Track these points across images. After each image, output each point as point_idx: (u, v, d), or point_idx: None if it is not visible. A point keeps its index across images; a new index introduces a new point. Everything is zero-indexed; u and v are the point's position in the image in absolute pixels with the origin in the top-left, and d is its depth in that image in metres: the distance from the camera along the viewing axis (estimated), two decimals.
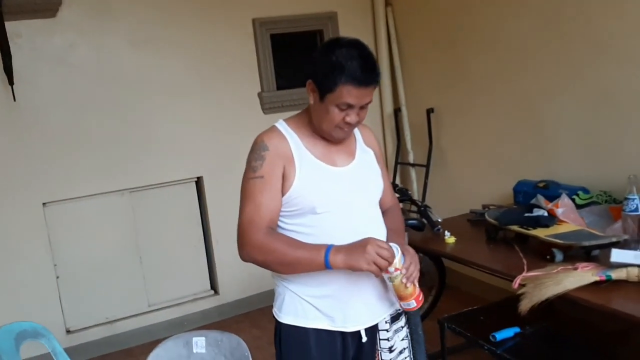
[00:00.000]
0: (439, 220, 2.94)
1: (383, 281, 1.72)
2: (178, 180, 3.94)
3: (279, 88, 4.11)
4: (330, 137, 1.66)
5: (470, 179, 3.89)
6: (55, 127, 3.51)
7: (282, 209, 1.65)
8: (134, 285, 3.85)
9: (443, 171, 4.12)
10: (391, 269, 1.55)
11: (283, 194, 1.63)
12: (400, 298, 1.63)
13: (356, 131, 1.79)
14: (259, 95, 4.07)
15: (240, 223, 1.63)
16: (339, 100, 1.57)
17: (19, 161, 3.44)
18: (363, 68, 1.55)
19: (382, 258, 1.53)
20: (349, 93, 1.55)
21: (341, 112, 1.59)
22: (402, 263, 1.58)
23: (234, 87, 3.99)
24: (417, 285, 1.63)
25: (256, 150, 1.65)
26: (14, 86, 3.26)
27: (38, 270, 3.54)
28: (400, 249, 1.60)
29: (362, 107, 1.62)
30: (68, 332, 3.66)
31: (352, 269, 1.56)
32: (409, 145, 4.36)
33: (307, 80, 1.64)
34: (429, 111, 4.06)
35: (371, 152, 1.80)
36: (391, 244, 1.59)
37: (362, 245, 1.54)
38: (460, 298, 3.72)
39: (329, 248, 1.56)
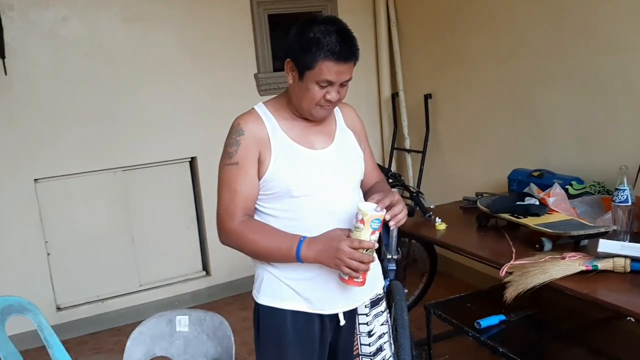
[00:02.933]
0: (431, 207, 2.93)
1: None
2: (172, 160, 3.92)
3: (275, 69, 4.07)
4: (311, 116, 1.64)
5: (466, 166, 3.87)
6: (47, 102, 3.48)
7: (260, 192, 1.64)
8: (125, 264, 3.84)
9: (439, 158, 4.10)
10: (359, 216, 1.51)
11: (259, 178, 1.62)
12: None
13: (336, 112, 1.77)
14: (255, 76, 4.03)
15: (218, 210, 1.65)
16: (319, 77, 1.54)
17: (10, 136, 3.42)
18: (341, 43, 1.53)
19: (355, 261, 1.51)
20: (328, 69, 1.53)
21: (321, 89, 1.57)
22: (373, 228, 1.51)
23: (230, 68, 3.96)
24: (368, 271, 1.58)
25: (232, 135, 1.64)
26: (5, 60, 3.23)
27: (29, 247, 3.54)
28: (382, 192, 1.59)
29: (343, 85, 1.59)
30: (58, 309, 3.67)
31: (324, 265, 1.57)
32: (405, 131, 4.33)
33: (285, 60, 1.62)
34: (427, 97, 4.03)
35: (351, 133, 1.77)
36: (369, 203, 1.56)
37: (334, 246, 1.52)
38: (451, 285, 3.72)
39: (301, 241, 1.55)
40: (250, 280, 4.10)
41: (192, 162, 4.00)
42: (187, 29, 3.81)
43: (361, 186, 1.79)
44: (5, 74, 3.27)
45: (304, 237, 1.56)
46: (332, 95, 1.58)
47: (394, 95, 4.37)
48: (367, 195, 1.78)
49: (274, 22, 4.06)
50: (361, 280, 1.56)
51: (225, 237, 1.64)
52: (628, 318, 1.67)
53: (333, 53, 1.52)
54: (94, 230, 3.72)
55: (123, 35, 3.64)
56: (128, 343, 1.88)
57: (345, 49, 1.54)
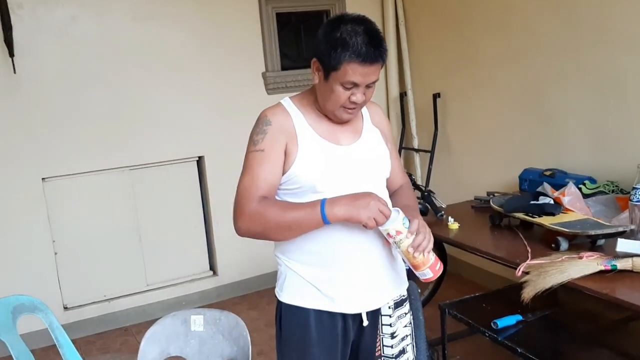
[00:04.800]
0: (443, 206, 2.91)
1: (388, 264, 1.68)
2: (179, 159, 3.90)
3: (283, 68, 4.05)
4: (335, 117, 1.61)
5: (475, 165, 3.84)
6: (55, 101, 3.46)
7: (284, 187, 1.61)
8: (132, 264, 3.82)
9: (447, 157, 4.08)
10: (391, 231, 1.51)
11: (285, 172, 1.59)
12: (413, 267, 1.59)
13: (364, 110, 1.74)
14: (263, 75, 4.01)
15: (236, 194, 1.59)
16: (344, 78, 1.51)
17: (18, 135, 3.40)
18: (368, 44, 1.49)
19: (383, 215, 1.50)
20: (353, 71, 1.50)
21: (346, 91, 1.54)
22: (406, 227, 1.53)
23: (237, 66, 3.94)
24: (431, 255, 1.58)
25: (259, 125, 1.61)
26: (14, 58, 3.21)
27: (36, 246, 3.52)
28: (410, 218, 1.57)
29: (368, 86, 1.57)
30: (65, 308, 3.65)
31: (351, 221, 1.52)
32: (414, 131, 4.31)
33: (311, 59, 1.59)
34: (436, 96, 4.01)
35: (378, 132, 1.74)
36: (393, 208, 1.56)
37: (361, 197, 1.51)
38: (461, 286, 3.70)
39: (323, 201, 1.52)
40: (257, 281, 4.14)
41: (200, 161, 3.98)
42: (196, 28, 3.79)
43: (387, 186, 1.76)
44: (14, 73, 3.25)
45: (325, 199, 1.53)
46: (358, 97, 1.55)
47: (402, 95, 4.35)
48: (393, 198, 1.76)
49: (282, 20, 4.05)
50: (422, 260, 1.56)
51: (244, 220, 1.55)
52: None
53: (359, 55, 1.48)
54: (101, 230, 3.70)
55: (132, 35, 3.63)
56: (142, 342, 1.86)
57: (372, 50, 1.50)
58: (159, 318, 1.95)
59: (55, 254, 3.59)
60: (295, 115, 1.62)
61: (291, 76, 4.03)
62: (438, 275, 1.62)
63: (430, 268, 1.59)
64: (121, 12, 3.58)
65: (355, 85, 1.54)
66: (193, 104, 3.84)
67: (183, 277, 4.00)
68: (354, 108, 1.59)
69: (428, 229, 1.61)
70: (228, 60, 3.91)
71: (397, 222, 1.52)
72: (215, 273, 4.09)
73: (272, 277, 4.33)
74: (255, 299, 3.98)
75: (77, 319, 3.64)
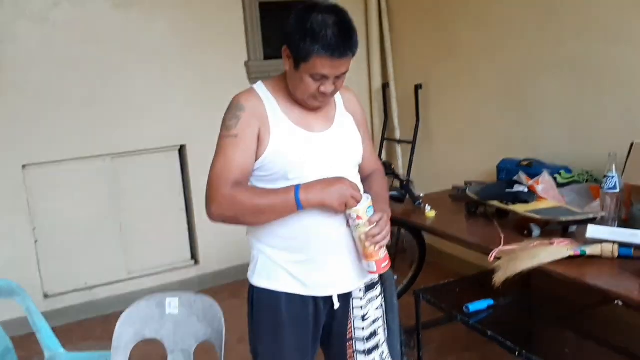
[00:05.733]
0: (421, 195, 2.94)
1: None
2: (160, 148, 3.90)
3: (266, 57, 4.06)
4: (305, 105, 1.62)
5: (455, 155, 3.89)
6: (36, 87, 3.45)
7: (256, 173, 1.62)
8: (113, 252, 3.83)
9: (428, 148, 4.11)
10: (353, 214, 1.53)
11: (257, 158, 1.59)
12: (362, 255, 1.61)
13: (337, 96, 1.74)
14: (246, 64, 4.02)
15: (209, 178, 1.58)
16: (313, 70, 1.52)
17: None
18: (338, 37, 1.48)
19: (355, 200, 1.53)
20: (322, 65, 1.50)
21: (316, 82, 1.55)
22: (368, 215, 1.55)
23: (220, 55, 3.94)
24: (381, 251, 1.60)
25: (232, 110, 1.61)
26: None
27: (16, 233, 3.51)
28: (376, 209, 1.59)
29: (338, 77, 1.57)
30: (46, 296, 3.64)
31: (323, 206, 1.54)
32: (395, 122, 4.34)
33: (282, 46, 1.58)
34: (417, 87, 4.04)
35: (351, 118, 1.75)
36: (365, 193, 1.57)
37: (336, 183, 1.54)
38: (439, 274, 3.72)
39: (297, 187, 1.53)
40: (239, 269, 4.14)
41: (181, 150, 3.99)
42: (178, 15, 3.78)
43: (359, 171, 1.78)
44: None
45: (299, 185, 1.54)
46: (327, 87, 1.56)
47: (385, 86, 4.38)
48: (365, 184, 1.77)
49: (265, 9, 4.05)
50: (371, 252, 1.58)
51: (217, 204, 1.54)
52: (616, 302, 1.69)
53: (328, 49, 1.48)
54: (82, 217, 3.70)
55: (113, 21, 3.61)
56: (117, 325, 1.88)
57: (342, 43, 1.49)
58: None
59: (36, 241, 3.58)
60: (268, 101, 1.62)
61: (273, 65, 4.03)
62: (381, 272, 1.64)
63: (376, 262, 1.60)
64: None
65: (325, 77, 1.54)
66: (175, 93, 3.84)
67: (164, 266, 4.01)
68: (323, 98, 1.59)
69: (388, 227, 1.61)
70: (210, 48, 3.91)
71: (361, 207, 1.54)
72: (196, 262, 4.11)
73: None
74: (236, 287, 3.99)
75: (57, 306, 3.64)
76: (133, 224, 3.87)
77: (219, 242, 4.07)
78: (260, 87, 1.66)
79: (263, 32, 4.04)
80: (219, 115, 3.80)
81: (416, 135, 4.09)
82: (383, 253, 1.61)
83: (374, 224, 1.57)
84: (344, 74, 1.57)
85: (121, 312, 3.75)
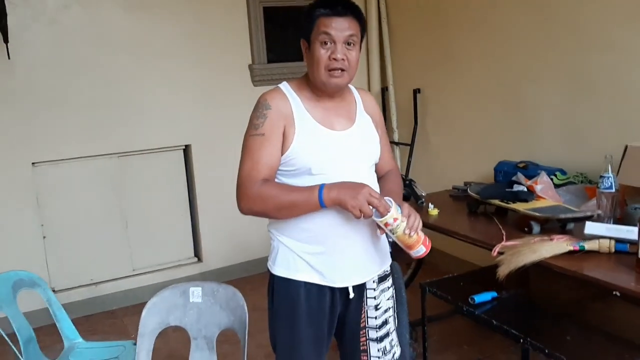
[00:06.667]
0: (423, 194, 3.05)
1: (374, 242, 1.81)
2: (166, 147, 3.99)
3: (269, 61, 4.16)
4: (325, 86, 1.71)
5: (453, 158, 4.01)
6: (47, 87, 3.53)
7: (280, 168, 1.72)
8: (119, 249, 3.90)
9: (426, 150, 4.24)
10: (390, 220, 1.62)
11: (282, 153, 1.69)
12: (408, 247, 1.69)
13: (357, 97, 1.86)
14: (250, 67, 4.12)
15: (239, 177, 1.70)
16: (318, 33, 1.66)
17: (10, 120, 3.46)
18: (336, 1, 1.66)
19: (372, 205, 1.60)
20: (325, 24, 1.65)
21: (326, 49, 1.66)
22: (400, 213, 1.65)
23: (225, 58, 4.04)
24: (420, 232, 1.70)
25: (259, 109, 1.71)
26: (8, 44, 3.26)
27: (25, 230, 3.58)
28: (400, 204, 1.69)
29: (349, 44, 1.68)
30: (53, 291, 3.66)
31: (340, 205, 1.62)
32: (394, 124, 4.46)
33: (300, 42, 1.75)
34: (416, 91, 4.17)
35: (370, 119, 1.86)
36: (386, 197, 1.66)
37: (355, 187, 1.61)
38: (436, 274, 3.82)
39: (322, 187, 1.63)
40: (242, 267, 4.24)
41: (186, 149, 4.07)
42: (185, 19, 3.88)
43: (376, 170, 1.88)
44: (9, 59, 3.30)
45: (323, 184, 1.64)
46: (338, 54, 1.66)
47: (384, 90, 4.50)
48: (380, 182, 1.88)
49: (269, 14, 4.16)
50: (416, 239, 1.68)
51: (247, 200, 1.68)
52: (614, 292, 1.81)
53: (327, 5, 1.65)
54: (89, 215, 3.78)
55: (122, 24, 3.70)
56: (143, 313, 1.96)
57: (340, 2, 1.66)
58: (145, 302, 2.03)
59: (44, 237, 3.65)
60: (293, 100, 1.73)
61: (277, 69, 4.14)
62: (429, 248, 1.73)
63: (423, 244, 1.71)
64: (112, 2, 3.66)
65: (331, 39, 1.66)
66: (181, 94, 3.94)
67: (168, 263, 4.09)
68: (339, 70, 1.68)
69: (414, 210, 1.72)
70: (216, 51, 4.01)
71: (393, 211, 1.63)
72: (199, 259, 4.19)
73: (255, 265, 4.45)
74: (238, 285, 4.00)
75: (64, 301, 3.64)
76: (138, 221, 3.95)
77: (221, 241, 4.17)
78: (285, 87, 1.77)
79: (267, 36, 4.14)
80: (224, 117, 3.95)
81: (414, 138, 4.21)
82: (422, 234, 1.71)
83: (409, 216, 1.67)
84: (353, 42, 1.68)
85: (126, 308, 3.86)
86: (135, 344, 2.30)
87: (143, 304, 2.13)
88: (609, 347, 2.01)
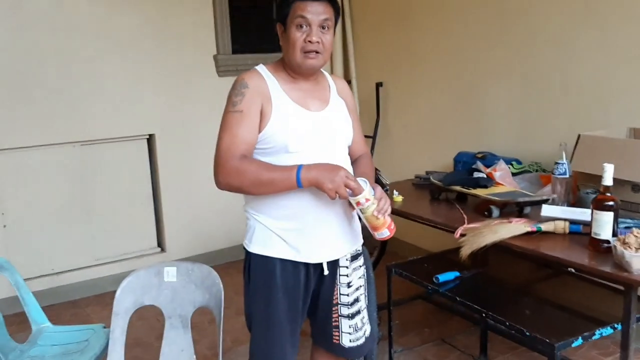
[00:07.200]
0: (387, 182, 3.15)
1: (348, 221, 1.88)
2: (129, 137, 3.97)
3: (234, 52, 4.19)
4: (301, 67, 1.77)
5: (414, 149, 4.13)
6: (7, 74, 3.48)
7: (257, 147, 1.77)
8: (81, 239, 3.87)
9: (388, 142, 4.35)
10: (362, 199, 1.70)
11: (259, 131, 1.74)
12: (374, 229, 1.78)
13: (331, 81, 1.94)
14: (215, 57, 4.14)
15: (217, 151, 1.74)
16: (294, 16, 1.73)
17: None
18: None
19: (348, 187, 1.68)
20: (300, 8, 1.72)
21: (301, 32, 1.73)
22: (373, 195, 1.73)
23: (189, 48, 4.06)
24: (387, 217, 1.78)
25: (237, 87, 1.77)
26: None
27: None
28: (373, 187, 1.77)
29: (323, 28, 1.75)
30: None
31: (317, 186, 1.69)
32: (358, 116, 4.54)
33: (275, 26, 1.81)
34: (378, 85, 4.27)
35: (343, 103, 1.94)
36: (360, 178, 1.74)
37: (333, 169, 1.68)
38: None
39: (300, 167, 1.69)
40: (205, 257, 4.26)
41: (150, 139, 4.06)
42: (150, 7, 3.87)
43: (349, 153, 1.96)
44: None
45: (302, 164, 1.70)
46: (313, 37, 1.73)
47: (347, 83, 4.57)
48: (353, 165, 1.95)
49: (234, 5, 4.19)
50: (383, 221, 1.75)
51: (225, 175, 1.71)
52: (569, 269, 1.93)
53: None
54: (50, 204, 3.73)
55: (86, 10, 3.67)
56: (118, 292, 1.98)
57: None
58: (108, 292, 2.05)
59: (4, 226, 3.59)
60: (270, 80, 1.79)
61: (242, 59, 4.17)
62: (393, 233, 1.83)
63: (388, 228, 1.80)
64: None
65: (307, 22, 1.73)
66: (145, 83, 3.93)
67: (131, 253, 4.07)
68: (314, 52, 1.75)
69: (385, 195, 1.82)
70: (180, 41, 4.01)
71: (367, 191, 1.71)
72: (163, 250, 4.19)
73: (218, 255, 4.47)
74: None
75: None
76: (101, 211, 3.92)
77: (185, 231, 4.18)
78: (262, 68, 1.83)
79: (232, 27, 4.17)
80: (188, 106, 3.96)
81: (377, 130, 4.31)
82: (389, 218, 1.79)
83: (380, 199, 1.75)
84: (327, 25, 1.76)
85: (89, 298, 3.83)
86: (105, 327, 2.32)
87: (106, 294, 2.15)
88: (564, 320, 2.14)
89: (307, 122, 1.79)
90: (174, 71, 4.01)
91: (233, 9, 4.17)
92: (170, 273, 1.97)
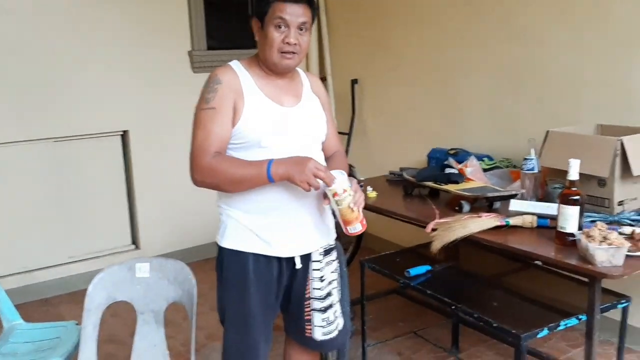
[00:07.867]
0: (362, 178, 3.18)
1: (320, 215, 1.90)
2: (103, 133, 3.95)
3: (209, 48, 4.18)
4: (276, 66, 1.79)
5: (388, 146, 4.18)
6: None
7: (231, 142, 1.78)
8: (54, 236, 3.83)
9: (363, 139, 4.38)
10: (339, 190, 1.71)
11: (232, 126, 1.76)
12: (347, 222, 1.78)
13: (304, 78, 1.96)
14: (189, 53, 4.13)
15: (192, 150, 1.76)
16: (273, 17, 1.73)
17: None
18: None
19: (318, 178, 1.69)
20: (280, 9, 1.73)
21: (280, 32, 1.75)
22: (350, 186, 1.74)
23: (164, 44, 4.03)
24: (360, 212, 1.80)
25: (210, 84, 1.78)
26: None
27: None
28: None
29: (301, 29, 1.77)
30: None
31: (288, 180, 1.70)
32: (332, 114, 4.57)
33: (250, 21, 1.81)
34: (353, 82, 4.30)
35: (317, 99, 1.96)
36: (336, 170, 1.76)
37: (302, 162, 1.70)
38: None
39: (270, 162, 1.71)
40: (180, 255, 4.23)
41: (124, 135, 4.04)
42: (124, 3, 3.84)
43: (323, 150, 1.97)
44: None
45: (272, 159, 1.71)
46: (291, 39, 1.75)
47: (323, 80, 4.60)
48: (327, 162, 1.97)
49: (209, 1, 4.18)
50: (356, 215, 1.76)
51: (199, 172, 1.73)
52: (536, 262, 1.98)
53: None
54: (23, 201, 3.69)
55: (60, 4, 3.63)
56: (89, 288, 1.97)
57: None
58: (81, 290, 2.04)
59: None
60: (243, 76, 1.80)
61: (216, 56, 4.16)
62: (365, 228, 1.83)
63: (360, 222, 1.80)
64: None
65: (285, 23, 1.74)
66: (118, 79, 3.90)
67: (105, 250, 4.05)
68: (291, 52, 1.77)
69: (360, 189, 1.84)
70: (155, 37, 3.99)
71: (344, 183, 1.73)
72: (137, 247, 4.17)
73: (193, 253, 4.45)
74: None
75: None
76: (74, 208, 3.88)
77: (159, 228, 4.16)
78: (235, 64, 1.84)
79: (207, 23, 4.16)
80: (163, 102, 3.94)
81: (352, 127, 4.35)
82: (361, 214, 1.81)
83: (356, 192, 1.77)
84: (306, 28, 1.78)
85: (62, 296, 3.80)
86: (77, 324, 2.31)
87: (79, 292, 2.13)
88: (531, 311, 2.20)
89: (280, 117, 1.81)
90: (148, 67, 3.99)
91: (208, 4, 4.16)
92: (143, 269, 1.98)
